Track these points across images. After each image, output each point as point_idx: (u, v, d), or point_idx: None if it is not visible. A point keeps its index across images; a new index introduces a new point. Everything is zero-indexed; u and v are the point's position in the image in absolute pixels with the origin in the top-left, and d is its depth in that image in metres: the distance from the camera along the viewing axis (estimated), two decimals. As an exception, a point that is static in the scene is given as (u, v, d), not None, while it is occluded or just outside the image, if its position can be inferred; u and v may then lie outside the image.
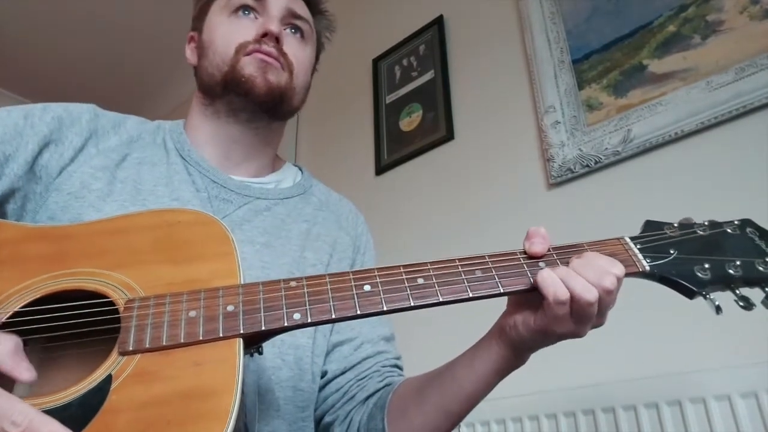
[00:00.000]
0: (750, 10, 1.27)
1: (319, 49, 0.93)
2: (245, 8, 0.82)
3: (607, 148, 1.40)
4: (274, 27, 0.80)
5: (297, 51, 0.84)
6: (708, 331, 1.10)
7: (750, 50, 1.24)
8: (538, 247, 0.62)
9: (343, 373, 0.80)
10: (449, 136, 1.83)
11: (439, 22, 2.02)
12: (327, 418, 0.79)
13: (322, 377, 0.80)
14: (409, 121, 2.00)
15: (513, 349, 0.64)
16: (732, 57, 1.26)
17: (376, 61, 2.20)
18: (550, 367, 1.26)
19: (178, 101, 3.32)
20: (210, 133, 0.84)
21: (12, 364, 0.47)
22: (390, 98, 2.10)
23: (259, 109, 0.80)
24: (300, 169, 0.95)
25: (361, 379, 0.79)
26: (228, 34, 0.81)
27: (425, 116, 1.95)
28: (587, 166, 1.43)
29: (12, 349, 0.47)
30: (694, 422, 1.06)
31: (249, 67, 0.78)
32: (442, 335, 1.51)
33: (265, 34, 0.79)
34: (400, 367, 0.84)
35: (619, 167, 1.40)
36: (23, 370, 0.47)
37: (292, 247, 0.80)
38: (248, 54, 0.78)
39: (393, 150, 2.00)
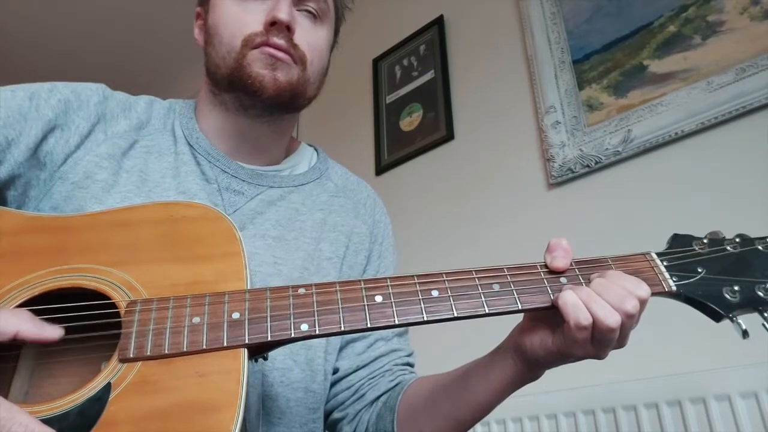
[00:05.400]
0: (750, 11, 1.27)
1: (338, 23, 0.84)
2: None
3: (607, 149, 1.41)
4: (283, 15, 0.70)
5: (310, 37, 0.75)
6: (708, 331, 1.10)
7: (750, 51, 1.24)
8: (560, 261, 0.58)
9: (355, 370, 0.78)
10: (449, 136, 1.83)
11: (439, 22, 2.02)
12: (335, 415, 0.78)
13: (333, 373, 0.78)
14: (409, 121, 2.00)
15: (528, 365, 0.62)
16: (732, 57, 1.26)
17: (376, 61, 2.20)
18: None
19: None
20: (219, 123, 0.78)
21: (36, 329, 0.47)
22: (390, 98, 2.10)
23: (271, 106, 0.74)
24: (316, 150, 0.89)
25: (373, 377, 0.78)
26: (234, 22, 0.72)
27: (425, 116, 1.95)
28: (587, 166, 1.43)
29: (29, 317, 0.47)
30: (694, 422, 1.06)
31: (256, 63, 0.70)
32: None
33: (273, 23, 0.71)
34: (411, 365, 0.82)
35: (620, 167, 1.40)
36: (48, 330, 0.48)
37: (306, 240, 0.76)
38: (256, 47, 0.70)
39: (393, 150, 2.00)
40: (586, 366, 1.24)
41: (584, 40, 1.56)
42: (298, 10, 0.74)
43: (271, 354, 0.68)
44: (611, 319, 0.53)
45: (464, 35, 1.95)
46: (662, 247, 0.64)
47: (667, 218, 1.27)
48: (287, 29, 0.71)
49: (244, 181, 0.75)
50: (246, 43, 0.71)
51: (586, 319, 0.53)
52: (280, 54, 0.71)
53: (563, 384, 1.27)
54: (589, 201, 1.43)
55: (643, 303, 0.55)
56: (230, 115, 0.77)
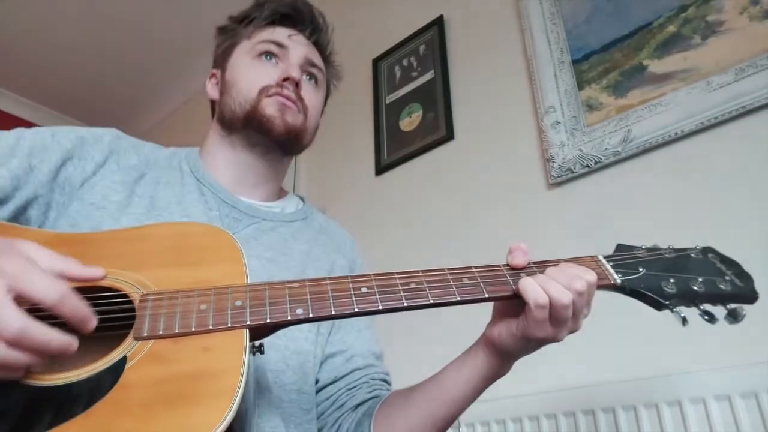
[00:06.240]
0: (750, 11, 1.27)
1: (327, 94, 1.02)
2: (268, 54, 0.90)
3: (607, 149, 1.41)
4: (295, 73, 0.88)
5: (312, 96, 0.92)
6: (708, 331, 1.09)
7: (750, 51, 1.24)
8: (519, 259, 0.67)
9: (333, 382, 0.84)
10: (449, 136, 1.83)
11: (439, 22, 2.02)
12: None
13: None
14: (409, 121, 2.00)
15: (498, 356, 0.69)
16: (732, 57, 1.26)
17: (376, 61, 2.20)
18: (551, 368, 1.26)
19: (181, 100, 3.31)
20: (225, 161, 0.90)
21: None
22: (390, 98, 2.10)
23: (275, 145, 0.88)
24: (302, 199, 1.02)
25: (351, 388, 0.83)
26: (252, 76, 0.88)
27: (425, 116, 1.95)
28: (587, 166, 1.43)
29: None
30: (694, 422, 1.06)
31: (270, 107, 0.86)
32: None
33: (286, 79, 0.87)
34: (388, 383, 0.88)
35: (619, 167, 1.40)
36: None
37: (294, 264, 0.85)
38: (270, 96, 0.86)
39: (393, 150, 2.01)
40: (586, 366, 1.24)
41: (583, 40, 1.56)
42: (302, 74, 0.91)
43: (266, 356, 0.73)
44: (564, 296, 0.61)
45: (464, 35, 1.95)
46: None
47: (667, 218, 1.27)
48: (296, 85, 0.88)
49: (241, 211, 0.86)
50: (261, 91, 0.87)
51: (543, 298, 0.61)
52: (289, 102, 0.87)
53: (564, 384, 1.27)
54: (589, 201, 1.43)
55: (590, 286, 0.63)
56: (237, 153, 0.90)
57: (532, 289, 0.62)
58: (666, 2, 1.42)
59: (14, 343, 0.45)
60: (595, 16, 1.56)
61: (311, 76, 0.94)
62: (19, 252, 0.50)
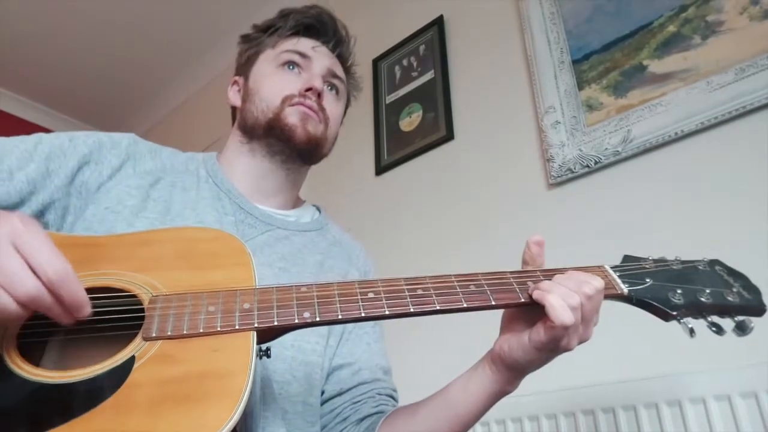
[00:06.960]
0: (750, 11, 1.27)
1: (347, 105, 1.03)
2: (292, 64, 0.91)
3: (607, 149, 1.41)
4: (318, 84, 0.89)
5: (333, 106, 0.93)
6: (708, 332, 1.10)
7: (750, 51, 1.24)
8: (537, 236, 0.69)
9: (339, 394, 0.83)
10: (449, 136, 1.83)
11: (439, 22, 2.02)
12: None
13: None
14: (409, 121, 2.00)
15: (506, 372, 0.68)
16: (732, 57, 1.26)
17: (376, 61, 2.20)
18: (550, 368, 1.26)
19: (181, 100, 3.31)
20: (244, 167, 0.90)
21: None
22: (390, 98, 2.10)
23: (295, 153, 0.89)
24: (318, 209, 1.02)
25: (356, 402, 0.82)
26: (275, 84, 0.89)
27: (425, 116, 1.95)
28: (587, 166, 1.43)
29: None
30: (694, 422, 1.06)
31: (292, 116, 0.87)
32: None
33: (309, 89, 0.88)
34: (395, 399, 0.87)
35: (619, 167, 1.40)
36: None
37: (306, 275, 0.85)
38: (293, 105, 0.87)
39: (393, 150, 2.00)
40: (587, 366, 1.24)
41: (584, 40, 1.56)
42: (324, 84, 0.91)
43: (273, 366, 0.73)
44: (573, 299, 0.60)
45: (464, 35, 1.95)
46: (660, 247, 0.72)
47: (667, 218, 1.27)
48: (318, 95, 0.89)
49: (257, 218, 0.86)
50: (284, 100, 0.87)
51: (559, 303, 0.60)
52: (311, 112, 0.88)
53: (563, 384, 1.27)
54: (589, 201, 1.43)
55: (598, 292, 0.63)
56: (256, 161, 0.90)
57: (542, 295, 0.61)
58: (666, 2, 1.42)
59: (51, 287, 0.48)
60: (595, 15, 1.56)
61: (333, 86, 0.95)
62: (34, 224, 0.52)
